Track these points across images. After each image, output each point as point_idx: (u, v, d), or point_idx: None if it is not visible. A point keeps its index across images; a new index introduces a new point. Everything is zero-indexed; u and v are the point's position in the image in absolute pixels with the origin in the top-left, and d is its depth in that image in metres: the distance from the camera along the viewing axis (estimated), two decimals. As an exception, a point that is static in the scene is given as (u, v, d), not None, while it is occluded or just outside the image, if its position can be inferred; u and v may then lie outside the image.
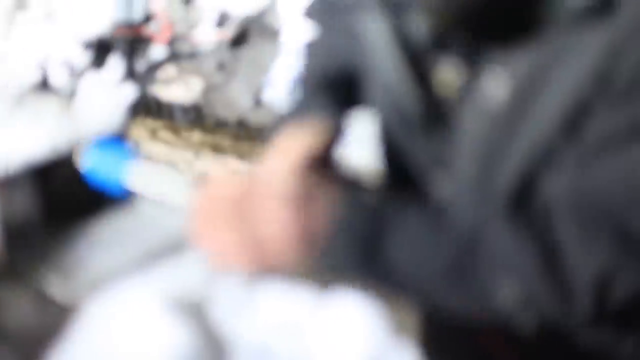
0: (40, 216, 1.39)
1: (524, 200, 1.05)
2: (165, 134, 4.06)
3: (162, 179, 1.30)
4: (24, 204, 1.36)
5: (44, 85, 3.08)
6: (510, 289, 1.01)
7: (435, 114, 1.17)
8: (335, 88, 1.42)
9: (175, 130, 4.10)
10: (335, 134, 1.32)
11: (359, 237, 1.04)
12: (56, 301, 1.21)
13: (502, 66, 1.04)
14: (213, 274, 1.19)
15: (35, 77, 3.10)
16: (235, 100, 3.54)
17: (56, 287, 1.21)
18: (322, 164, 1.25)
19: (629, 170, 0.97)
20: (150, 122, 4.07)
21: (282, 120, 1.35)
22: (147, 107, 4.04)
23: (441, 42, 1.12)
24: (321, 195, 1.06)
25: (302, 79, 1.50)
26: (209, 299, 1.11)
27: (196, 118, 4.01)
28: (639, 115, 0.94)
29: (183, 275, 1.21)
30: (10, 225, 1.34)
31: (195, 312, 1.07)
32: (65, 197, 1.41)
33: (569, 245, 1.00)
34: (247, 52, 3.39)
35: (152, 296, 1.05)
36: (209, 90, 3.68)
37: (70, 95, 3.12)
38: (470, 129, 1.11)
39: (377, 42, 1.20)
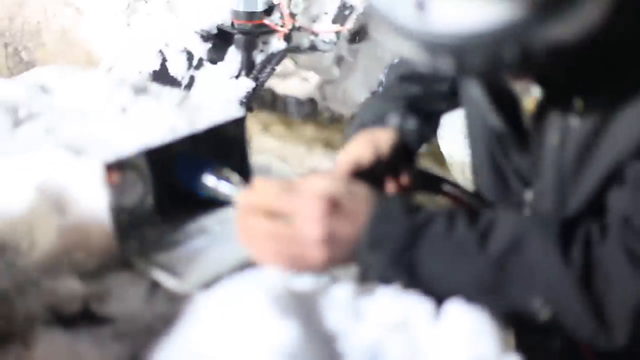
0: (153, 206, 1.39)
1: (591, 217, 1.09)
2: (278, 128, 4.08)
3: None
4: (137, 193, 1.36)
5: (162, 74, 3.12)
6: (542, 307, 1.06)
7: (519, 130, 1.24)
8: (419, 97, 1.49)
9: (288, 124, 4.11)
10: (405, 142, 1.40)
11: (392, 247, 1.09)
12: (166, 292, 1.20)
13: (581, 95, 1.10)
14: (324, 272, 1.18)
15: (154, 66, 3.14)
16: (352, 96, 3.51)
17: (166, 277, 1.20)
18: (386, 169, 1.36)
19: None
20: (264, 116, 4.10)
21: (356, 125, 1.43)
22: (261, 100, 4.06)
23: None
24: (357, 202, 1.11)
25: (387, 82, 1.53)
26: (319, 297, 1.09)
27: (310, 113, 4.02)
28: None
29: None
30: (123, 215, 1.34)
31: (305, 309, 1.04)
32: (179, 189, 1.40)
33: (614, 272, 1.03)
34: (367, 47, 3.35)
35: (262, 292, 1.03)
36: (325, 84, 3.67)
37: (188, 85, 3.15)
38: (551, 145, 1.16)
39: None
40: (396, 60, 1.56)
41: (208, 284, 1.19)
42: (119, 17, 3.39)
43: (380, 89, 1.59)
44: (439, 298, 1.08)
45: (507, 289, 1.07)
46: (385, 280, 1.11)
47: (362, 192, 1.13)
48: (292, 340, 0.95)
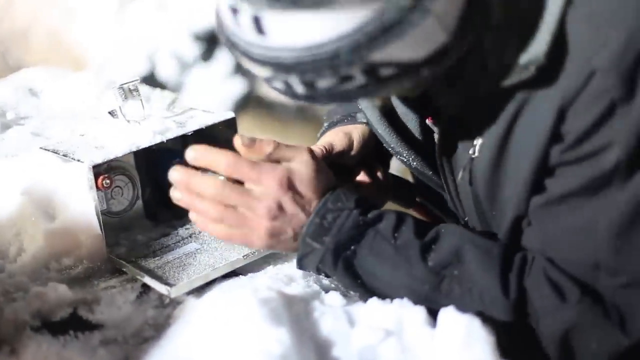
0: (143, 211, 1.37)
1: (517, 246, 1.13)
2: (271, 129, 4.08)
3: None
4: (126, 197, 1.35)
5: (152, 77, 3.12)
6: None
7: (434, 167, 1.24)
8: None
9: (282, 125, 4.11)
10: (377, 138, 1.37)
11: (336, 237, 1.10)
12: (155, 297, 1.19)
13: (476, 131, 1.11)
14: (316, 278, 1.19)
15: (144, 69, 3.14)
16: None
17: (156, 282, 1.18)
18: (358, 163, 1.37)
19: (586, 229, 1.04)
20: (258, 117, 4.10)
21: (328, 123, 1.43)
22: (254, 101, 4.06)
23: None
24: (312, 187, 1.13)
25: None
26: (311, 303, 1.08)
27: (303, 113, 4.02)
28: (589, 175, 1.01)
29: (285, 278, 1.18)
30: (112, 219, 1.33)
31: (296, 314, 1.03)
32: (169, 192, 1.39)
33: (539, 304, 1.06)
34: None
35: (253, 297, 1.02)
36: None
37: (179, 87, 3.14)
38: (462, 182, 1.17)
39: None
40: None
41: (198, 289, 1.18)
42: (109, 18, 3.37)
43: None
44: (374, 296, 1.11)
45: (441, 302, 1.07)
46: (320, 270, 1.13)
47: (320, 178, 1.14)
48: (283, 345, 0.94)
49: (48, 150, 1.30)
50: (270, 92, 4.01)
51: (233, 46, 1.00)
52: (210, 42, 3.15)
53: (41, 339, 1.08)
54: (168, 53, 3.15)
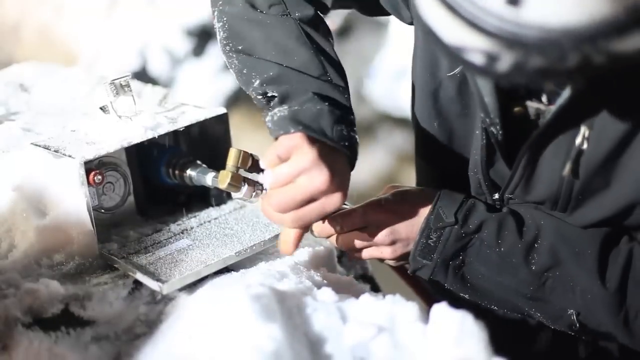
0: (134, 206, 1.37)
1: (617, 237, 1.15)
2: (261, 124, 4.05)
3: None
4: (118, 193, 1.34)
5: (144, 72, 3.11)
6: (577, 317, 1.16)
7: (514, 134, 1.17)
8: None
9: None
10: None
11: (441, 254, 1.19)
12: (147, 293, 1.18)
13: (585, 118, 1.08)
14: (308, 276, 1.19)
15: (136, 64, 3.13)
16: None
17: (148, 279, 1.18)
18: None
19: None
20: (248, 112, 4.09)
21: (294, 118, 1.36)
22: (245, 97, 4.05)
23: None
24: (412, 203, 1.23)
25: None
26: (304, 299, 1.07)
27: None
28: None
29: (277, 274, 1.18)
30: (103, 215, 1.32)
31: (289, 311, 1.03)
32: (161, 187, 1.39)
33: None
34: (353, 44, 3.34)
35: (245, 293, 1.01)
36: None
37: (170, 83, 3.13)
38: (553, 163, 1.14)
39: None
40: None
41: (190, 285, 1.18)
42: (100, 13, 3.36)
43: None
44: (488, 301, 1.23)
45: (547, 299, 1.16)
46: (433, 279, 1.21)
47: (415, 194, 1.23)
48: (276, 341, 0.94)
49: (39, 146, 1.30)
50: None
51: (450, 7, 0.90)
52: (202, 37, 3.14)
53: (33, 336, 1.07)
54: (159, 48, 3.14)
